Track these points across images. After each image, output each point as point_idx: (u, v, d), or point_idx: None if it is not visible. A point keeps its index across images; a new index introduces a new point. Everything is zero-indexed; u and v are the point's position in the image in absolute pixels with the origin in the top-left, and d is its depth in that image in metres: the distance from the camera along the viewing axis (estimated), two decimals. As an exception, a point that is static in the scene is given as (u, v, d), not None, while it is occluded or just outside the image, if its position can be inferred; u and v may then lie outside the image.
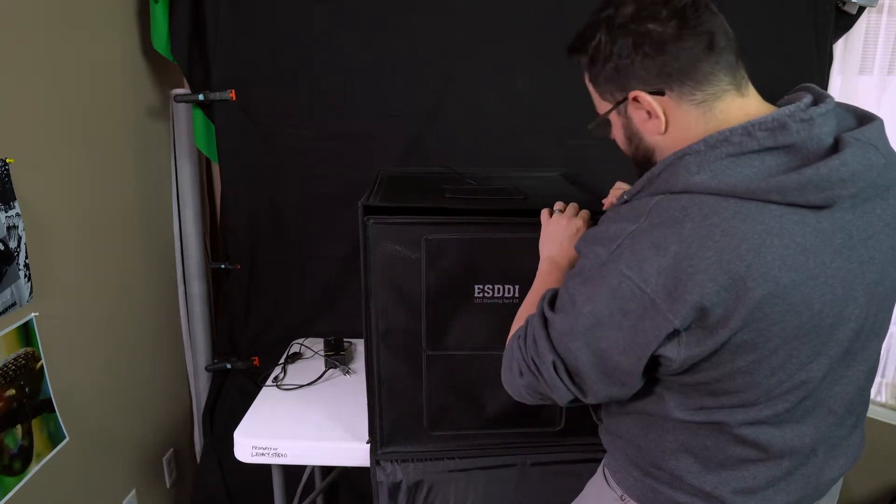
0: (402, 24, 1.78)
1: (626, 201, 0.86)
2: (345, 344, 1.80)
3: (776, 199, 0.74)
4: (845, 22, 1.78)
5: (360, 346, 1.86)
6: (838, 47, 1.83)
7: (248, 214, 1.92)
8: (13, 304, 1.27)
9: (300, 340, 1.93)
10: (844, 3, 1.73)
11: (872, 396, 2.05)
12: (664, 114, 0.82)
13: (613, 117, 0.91)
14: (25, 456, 1.34)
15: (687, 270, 0.73)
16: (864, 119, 0.82)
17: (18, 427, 1.32)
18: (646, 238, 0.77)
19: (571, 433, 1.34)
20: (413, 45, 1.80)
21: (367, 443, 1.36)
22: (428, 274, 1.23)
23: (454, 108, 1.83)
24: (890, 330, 1.98)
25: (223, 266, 1.97)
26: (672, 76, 0.80)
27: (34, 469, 1.36)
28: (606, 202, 1.20)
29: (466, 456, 1.34)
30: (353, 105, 1.83)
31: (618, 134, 0.93)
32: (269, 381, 1.69)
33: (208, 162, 2.03)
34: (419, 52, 1.80)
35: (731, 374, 0.80)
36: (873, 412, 1.99)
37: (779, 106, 0.81)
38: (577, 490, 1.12)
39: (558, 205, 1.15)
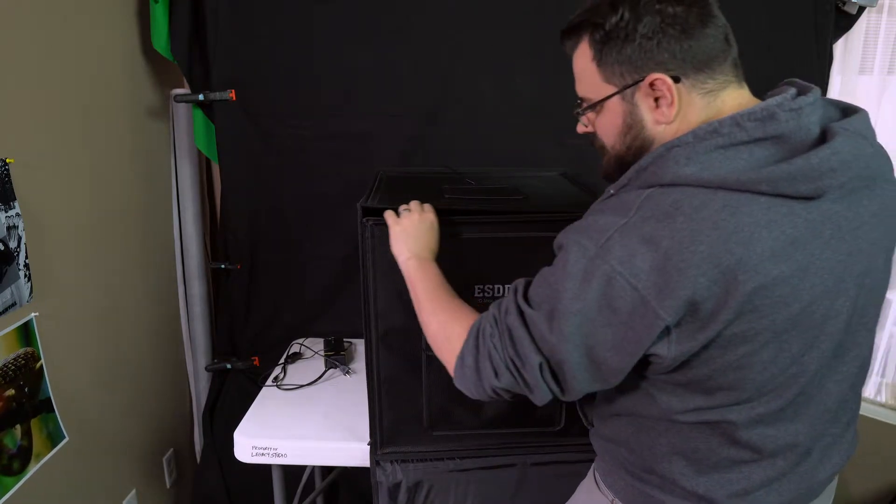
0: (402, 24, 1.78)
1: (612, 195, 0.84)
2: (345, 344, 1.80)
3: (766, 190, 0.73)
4: (845, 22, 1.78)
5: (360, 346, 1.86)
6: (838, 47, 1.83)
7: (248, 214, 1.92)
8: (13, 304, 1.27)
9: (300, 340, 1.93)
10: (844, 3, 1.73)
11: (872, 396, 2.05)
12: (676, 102, 0.80)
13: (613, 103, 0.85)
14: (24, 456, 1.34)
15: (678, 266, 0.72)
16: (848, 111, 0.83)
17: (18, 427, 1.32)
18: (637, 232, 0.75)
19: (571, 433, 1.34)
20: (413, 45, 1.80)
21: (368, 444, 1.36)
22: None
23: (454, 108, 1.83)
24: (890, 330, 1.99)
25: (223, 266, 1.97)
26: (692, 62, 0.79)
27: (33, 469, 1.36)
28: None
29: (466, 456, 1.34)
30: (353, 105, 1.83)
31: (611, 121, 0.87)
32: (269, 381, 1.69)
33: (208, 162, 2.03)
34: (419, 52, 1.80)
35: (722, 369, 0.79)
36: (873, 412, 1.99)
37: (765, 99, 0.81)
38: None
39: (403, 207, 1.15)
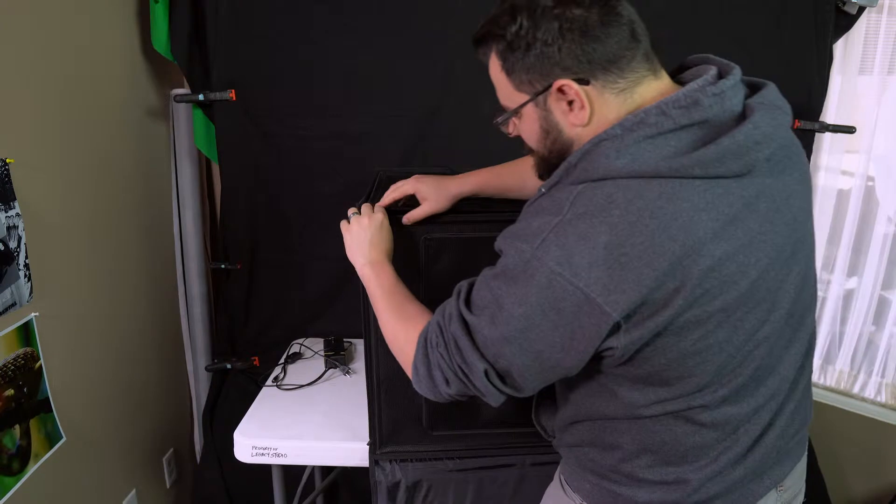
0: (401, 23, 1.78)
1: (543, 193, 0.84)
2: (345, 344, 1.80)
3: (699, 173, 0.74)
4: (845, 22, 1.78)
5: (360, 346, 1.85)
6: (838, 47, 1.83)
7: (248, 214, 1.92)
8: (13, 304, 1.27)
9: (300, 340, 1.93)
10: (844, 3, 1.72)
11: (872, 396, 2.05)
12: (588, 104, 0.80)
13: (528, 110, 0.85)
14: (23, 456, 1.34)
15: (620, 260, 0.72)
16: (756, 85, 0.84)
17: (16, 427, 1.32)
18: (572, 230, 0.74)
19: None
20: (413, 45, 1.79)
21: (368, 444, 1.36)
22: (427, 274, 1.22)
23: (454, 108, 1.83)
24: (890, 330, 1.99)
25: (223, 266, 1.97)
26: (598, 63, 0.78)
27: (32, 469, 1.36)
28: (386, 200, 1.18)
29: (465, 456, 1.34)
30: (353, 105, 1.82)
31: (531, 128, 0.87)
32: (269, 381, 1.69)
33: (208, 162, 2.03)
34: (419, 52, 1.80)
35: (680, 357, 0.78)
36: (873, 412, 1.99)
37: (685, 81, 0.81)
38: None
39: (352, 210, 1.15)
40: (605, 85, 0.79)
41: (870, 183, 1.94)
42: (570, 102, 0.81)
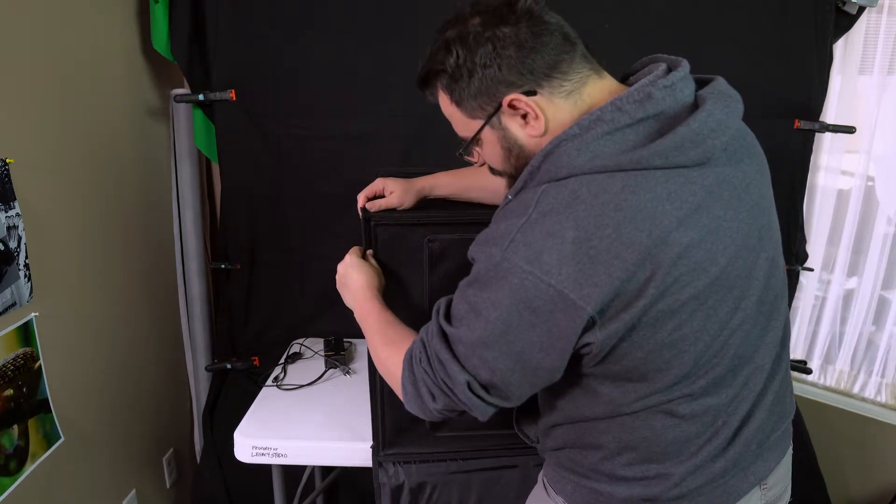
0: (401, 24, 1.78)
1: (510, 200, 0.85)
2: (345, 344, 1.80)
3: (659, 163, 0.75)
4: (845, 22, 1.78)
5: (360, 346, 1.86)
6: (838, 47, 1.83)
7: (248, 214, 1.92)
8: (13, 304, 1.27)
9: (300, 340, 1.93)
10: (844, 3, 1.73)
11: (872, 396, 2.05)
12: (541, 112, 0.82)
13: (486, 134, 0.87)
14: (21, 456, 1.34)
15: (589, 253, 0.73)
16: (705, 80, 0.85)
17: (15, 427, 1.32)
18: (538, 228, 0.75)
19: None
20: (413, 46, 1.78)
21: (371, 446, 1.36)
22: (430, 275, 1.22)
23: (454, 108, 1.82)
24: (890, 330, 1.99)
25: (223, 266, 1.97)
26: (540, 73, 0.80)
27: (29, 469, 1.35)
28: (360, 199, 1.22)
29: (469, 457, 1.34)
30: (353, 105, 1.82)
31: (492, 150, 0.89)
32: (269, 381, 1.69)
33: (208, 162, 2.03)
34: (419, 52, 1.79)
35: (657, 349, 0.79)
36: (873, 412, 1.99)
37: (632, 82, 0.84)
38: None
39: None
40: (552, 91, 0.82)
41: (870, 183, 1.95)
42: (524, 116, 0.83)
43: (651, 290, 0.74)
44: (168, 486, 2.01)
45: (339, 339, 1.81)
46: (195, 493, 2.05)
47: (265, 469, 1.54)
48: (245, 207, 1.91)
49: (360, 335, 1.29)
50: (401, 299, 1.24)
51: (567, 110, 0.82)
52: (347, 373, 1.73)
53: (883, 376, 2.04)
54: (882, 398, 2.04)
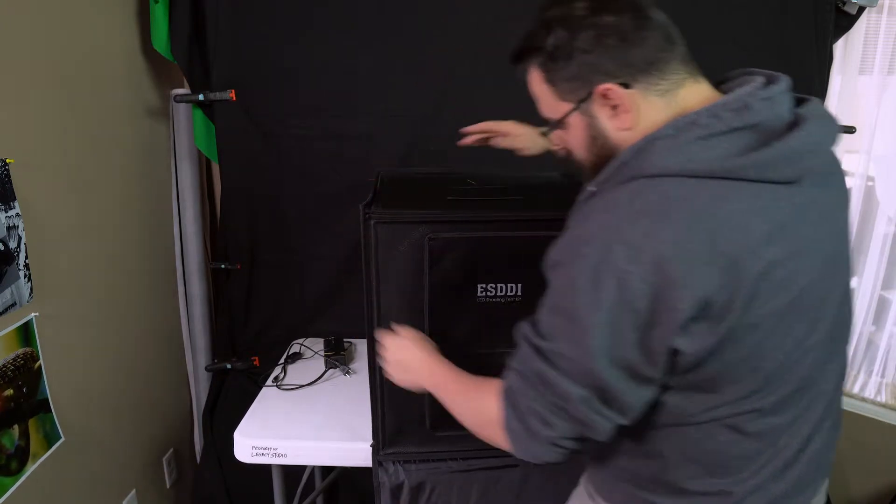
0: (402, 24, 1.78)
1: (592, 193, 0.84)
2: (345, 344, 1.80)
3: (752, 176, 0.74)
4: (845, 22, 1.78)
5: (360, 346, 1.86)
6: (838, 47, 1.83)
7: (248, 214, 1.92)
8: (13, 304, 1.27)
9: (300, 340, 1.93)
10: (844, 3, 1.73)
11: (872, 396, 2.05)
12: (633, 107, 0.81)
13: (574, 119, 0.86)
14: (22, 456, 1.34)
15: (682, 257, 0.71)
16: (802, 98, 0.84)
17: (15, 427, 1.32)
18: (635, 227, 0.74)
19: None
20: (413, 46, 1.79)
21: (371, 445, 1.36)
22: (431, 273, 1.22)
23: (454, 108, 1.82)
24: (890, 330, 1.99)
25: (223, 266, 1.97)
26: (637, 67, 0.80)
27: (30, 469, 1.35)
28: (470, 139, 1.26)
29: (469, 457, 1.34)
30: (353, 105, 1.82)
31: (577, 136, 0.88)
32: (269, 381, 1.69)
33: (208, 162, 2.03)
34: (419, 52, 1.79)
35: (734, 362, 0.78)
36: (873, 412, 1.99)
37: (725, 91, 0.82)
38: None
39: (380, 349, 1.13)
40: (647, 87, 0.80)
41: (870, 183, 1.95)
42: (615, 107, 0.82)
43: (738, 302, 0.73)
44: (168, 486, 2.01)
45: (339, 339, 1.81)
46: (195, 493, 2.05)
47: (265, 469, 1.54)
48: (245, 207, 1.91)
49: (361, 335, 1.29)
50: (400, 299, 1.24)
51: (659, 109, 0.81)
52: (347, 373, 1.73)
53: (883, 376, 2.04)
54: (882, 398, 2.04)
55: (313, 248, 1.93)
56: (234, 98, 1.80)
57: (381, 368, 1.28)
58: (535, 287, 1.24)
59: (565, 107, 0.86)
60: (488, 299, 1.24)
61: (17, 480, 1.32)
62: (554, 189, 1.53)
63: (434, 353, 1.08)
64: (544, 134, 0.93)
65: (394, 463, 1.32)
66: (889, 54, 1.83)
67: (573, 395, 0.78)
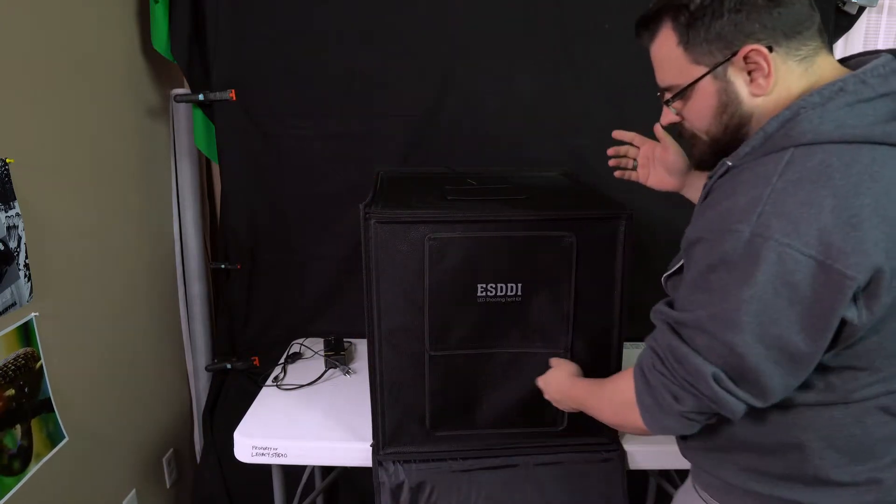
0: (402, 24, 1.78)
1: (730, 167, 0.81)
2: (345, 344, 1.80)
3: None
4: (845, 22, 1.78)
5: (360, 346, 1.85)
6: (838, 47, 1.83)
7: (248, 214, 1.92)
8: (13, 304, 1.27)
9: (300, 340, 1.93)
10: (844, 3, 1.73)
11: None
12: (773, 71, 0.79)
13: (704, 84, 0.83)
14: (25, 456, 1.34)
15: (851, 222, 0.69)
16: None
17: (17, 427, 1.32)
18: (791, 198, 0.71)
19: (574, 433, 1.34)
20: (413, 45, 1.79)
21: (371, 445, 1.36)
22: (431, 273, 1.23)
23: (454, 108, 1.83)
24: None
25: (223, 266, 1.97)
26: (782, 31, 0.78)
27: (33, 469, 1.35)
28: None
29: (469, 457, 1.34)
30: (353, 105, 1.82)
31: (704, 103, 0.85)
32: (269, 381, 1.69)
33: (208, 162, 2.03)
34: (419, 52, 1.80)
35: (892, 335, 0.74)
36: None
37: (853, 65, 0.81)
38: (581, 490, 1.11)
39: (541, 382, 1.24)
40: (788, 52, 0.79)
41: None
42: (751, 72, 0.80)
43: None
44: (168, 486, 2.01)
45: (339, 339, 1.81)
46: (195, 493, 2.05)
47: (265, 469, 1.54)
48: (245, 207, 1.91)
49: (361, 335, 1.30)
50: (400, 299, 1.24)
51: (798, 75, 0.79)
52: (347, 373, 1.73)
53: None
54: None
55: (313, 248, 1.93)
56: (234, 98, 1.80)
57: (381, 367, 1.28)
58: (535, 287, 1.25)
59: (697, 70, 0.83)
60: (488, 299, 1.24)
61: (19, 480, 1.32)
62: (554, 189, 1.53)
63: (570, 374, 1.19)
64: (667, 103, 0.90)
65: (394, 463, 1.32)
66: (889, 54, 1.83)
67: (704, 371, 0.77)
